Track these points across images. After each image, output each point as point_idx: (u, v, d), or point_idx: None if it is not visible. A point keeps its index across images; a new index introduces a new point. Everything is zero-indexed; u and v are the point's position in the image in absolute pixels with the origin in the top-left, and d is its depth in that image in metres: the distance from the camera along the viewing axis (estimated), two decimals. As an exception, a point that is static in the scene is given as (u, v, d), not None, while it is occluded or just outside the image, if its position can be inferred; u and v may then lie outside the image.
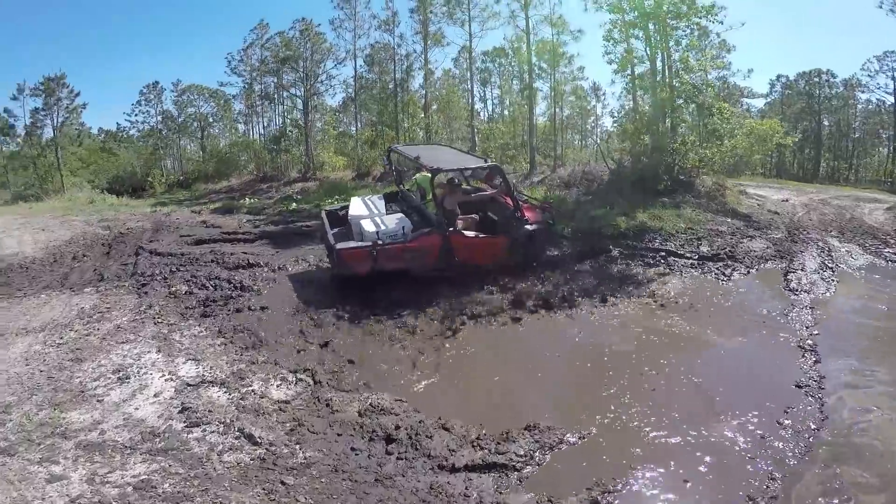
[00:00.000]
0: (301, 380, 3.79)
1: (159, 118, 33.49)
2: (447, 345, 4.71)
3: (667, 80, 14.36)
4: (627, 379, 4.19)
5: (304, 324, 4.96)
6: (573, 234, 8.45)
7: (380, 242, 5.99)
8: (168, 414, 3.23)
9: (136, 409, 3.31)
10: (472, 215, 7.01)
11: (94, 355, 4.02)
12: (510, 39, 24.27)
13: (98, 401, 3.38)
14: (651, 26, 14.43)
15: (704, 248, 8.11)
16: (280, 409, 3.35)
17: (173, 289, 5.53)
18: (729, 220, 10.46)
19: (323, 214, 7.21)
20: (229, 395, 3.48)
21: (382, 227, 6.27)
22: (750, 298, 6.13)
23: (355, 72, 25.21)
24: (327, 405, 3.46)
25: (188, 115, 34.00)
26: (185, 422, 3.15)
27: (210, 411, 3.24)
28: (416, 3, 21.32)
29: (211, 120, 34.66)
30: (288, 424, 3.20)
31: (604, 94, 34.33)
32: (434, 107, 23.14)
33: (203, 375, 3.72)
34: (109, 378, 3.65)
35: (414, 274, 6.07)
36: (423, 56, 22.34)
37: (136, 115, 32.89)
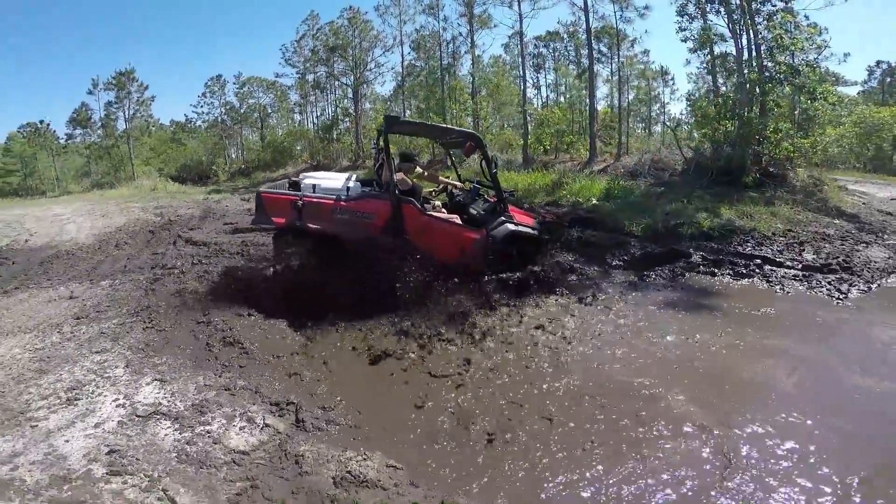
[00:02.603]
0: (278, 418, 3.00)
1: (222, 110, 34.85)
2: (470, 381, 3.60)
3: (754, 59, 12.53)
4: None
5: (308, 336, 4.21)
6: (642, 233, 7.22)
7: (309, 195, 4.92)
8: (95, 454, 2.63)
9: (67, 441, 2.75)
10: (454, 215, 5.58)
11: (60, 366, 3.56)
12: (565, 24, 22.71)
13: (32, 426, 2.87)
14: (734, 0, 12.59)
15: (809, 256, 6.59)
16: (233, 463, 2.61)
17: (182, 286, 5.04)
18: (835, 221, 8.67)
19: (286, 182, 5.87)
20: (178, 434, 2.81)
21: (322, 184, 5.15)
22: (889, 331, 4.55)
23: (402, 58, 24.66)
24: (296, 462, 2.61)
25: (249, 107, 35.16)
26: (107, 468, 2.53)
27: (139, 458, 2.60)
28: (460, -16, 20.28)
29: (269, 110, 35.71)
30: (235, 487, 2.45)
31: (672, 78, 31.39)
32: (482, 91, 22.00)
33: (160, 404, 3.09)
34: (59, 398, 3.15)
35: (349, 246, 4.75)
36: (469, 39, 21.30)
37: (201, 106, 34.39)
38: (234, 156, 35.01)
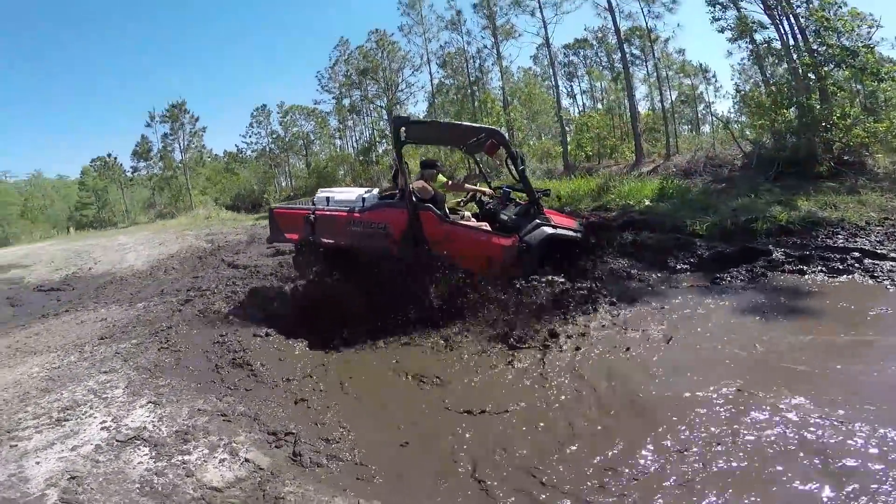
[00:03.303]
0: (273, 450, 2.60)
1: (269, 139, 36.56)
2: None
3: (801, 44, 11.49)
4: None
5: (326, 358, 3.82)
6: (708, 232, 6.47)
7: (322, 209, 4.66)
8: (57, 479, 2.41)
9: (38, 463, 2.55)
10: (483, 223, 5.16)
11: (65, 385, 3.45)
12: (592, 29, 22.20)
13: (11, 446, 2.71)
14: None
15: (918, 246, 5.59)
16: (202, 500, 2.25)
17: (207, 307, 4.91)
18: (939, 205, 7.47)
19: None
20: (152, 463, 2.52)
21: (337, 197, 4.87)
22: None
23: (430, 76, 24.92)
24: None
25: (293, 135, 36.71)
26: (62, 496, 2.29)
27: (95, 487, 2.32)
28: (478, -2, 20.37)
29: (312, 137, 37.11)
30: None
31: (713, 75, 29.70)
32: (514, 101, 21.68)
33: (145, 428, 2.82)
34: (50, 417, 3.00)
35: (368, 260, 4.42)
36: (494, 51, 21.14)
37: (249, 136, 36.22)
38: (283, 184, 36.52)
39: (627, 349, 3.61)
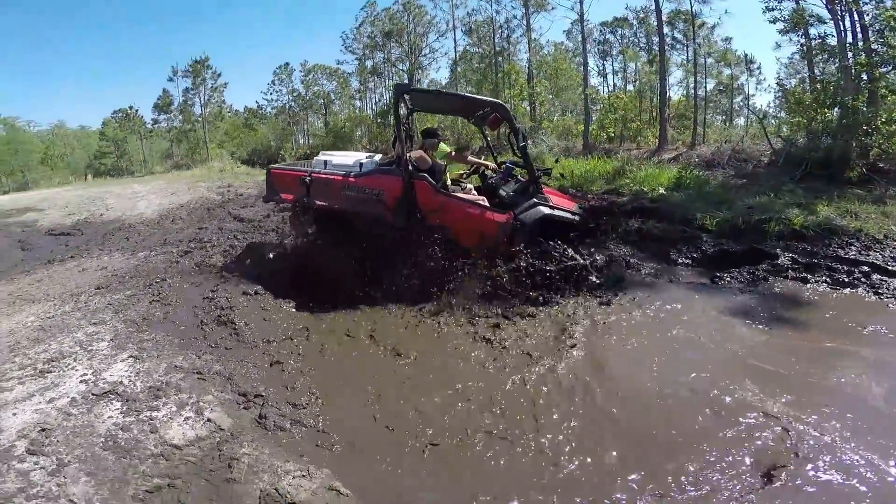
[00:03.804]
0: (241, 411, 2.67)
1: (290, 97, 36.19)
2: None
3: (860, 43, 10.74)
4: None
5: (312, 321, 3.84)
6: (717, 228, 6.26)
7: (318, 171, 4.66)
8: (28, 430, 2.49)
9: (14, 414, 2.64)
10: (482, 198, 5.07)
11: (54, 336, 3.54)
12: (634, 10, 21.06)
13: None
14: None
15: (935, 266, 5.33)
16: (160, 457, 2.31)
17: (204, 260, 4.97)
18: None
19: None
20: (121, 418, 2.60)
21: (334, 160, 4.85)
22: None
23: (454, 43, 24.12)
24: (229, 466, 2.25)
25: (314, 94, 36.25)
26: (28, 447, 2.37)
27: (61, 440, 2.39)
28: (513, -37, 19.34)
29: (332, 97, 36.61)
30: (150, 483, 2.15)
31: (758, 67, 28.09)
32: (540, 75, 20.90)
33: (121, 383, 2.90)
34: (35, 369, 3.08)
35: (361, 226, 4.44)
36: (524, 21, 20.23)
37: (270, 93, 35.93)
38: (301, 141, 36.38)
39: (603, 336, 3.59)
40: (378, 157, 5.13)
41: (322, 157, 4.98)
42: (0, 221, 10.03)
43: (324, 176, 4.66)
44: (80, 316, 3.85)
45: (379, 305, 4.20)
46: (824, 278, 4.96)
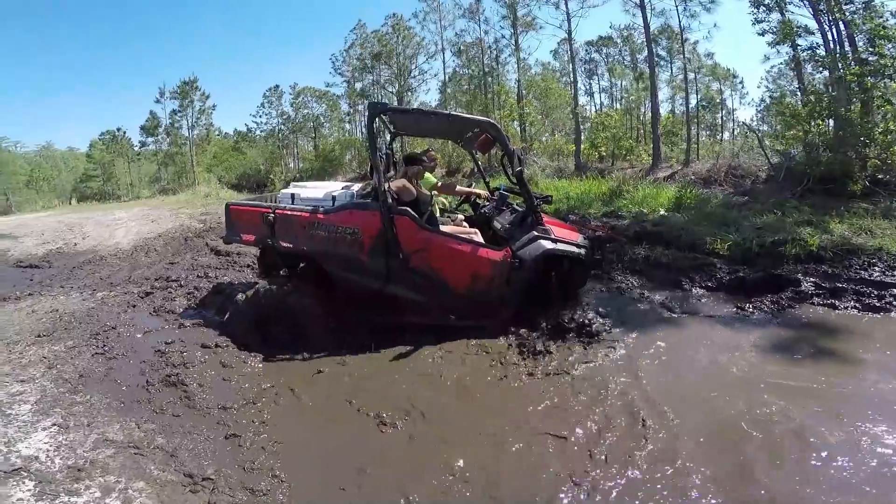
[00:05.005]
0: (189, 495, 2.15)
1: (279, 119, 36.02)
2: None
3: (847, 53, 10.76)
4: None
5: (281, 380, 3.26)
6: (729, 252, 5.86)
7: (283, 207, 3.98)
8: None
9: None
10: (474, 230, 4.54)
11: None
12: (618, 27, 21.41)
13: None
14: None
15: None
16: None
17: (165, 303, 4.43)
18: None
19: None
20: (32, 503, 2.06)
21: (303, 194, 4.17)
22: None
23: (443, 64, 24.28)
24: None
25: (303, 116, 36.14)
26: None
27: None
28: (501, -15, 19.62)
29: (322, 120, 36.52)
30: None
31: (740, 81, 28.61)
32: (529, 96, 20.94)
33: (37, 458, 2.37)
34: None
35: (334, 275, 3.85)
36: (513, 41, 20.35)
37: (259, 116, 35.77)
38: (290, 165, 36.02)
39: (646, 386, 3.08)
40: (356, 187, 4.55)
41: (290, 189, 4.35)
42: (-29, 251, 9.41)
43: (289, 213, 3.98)
44: (7, 371, 3.27)
45: (358, 354, 3.65)
46: (853, 303, 4.56)
